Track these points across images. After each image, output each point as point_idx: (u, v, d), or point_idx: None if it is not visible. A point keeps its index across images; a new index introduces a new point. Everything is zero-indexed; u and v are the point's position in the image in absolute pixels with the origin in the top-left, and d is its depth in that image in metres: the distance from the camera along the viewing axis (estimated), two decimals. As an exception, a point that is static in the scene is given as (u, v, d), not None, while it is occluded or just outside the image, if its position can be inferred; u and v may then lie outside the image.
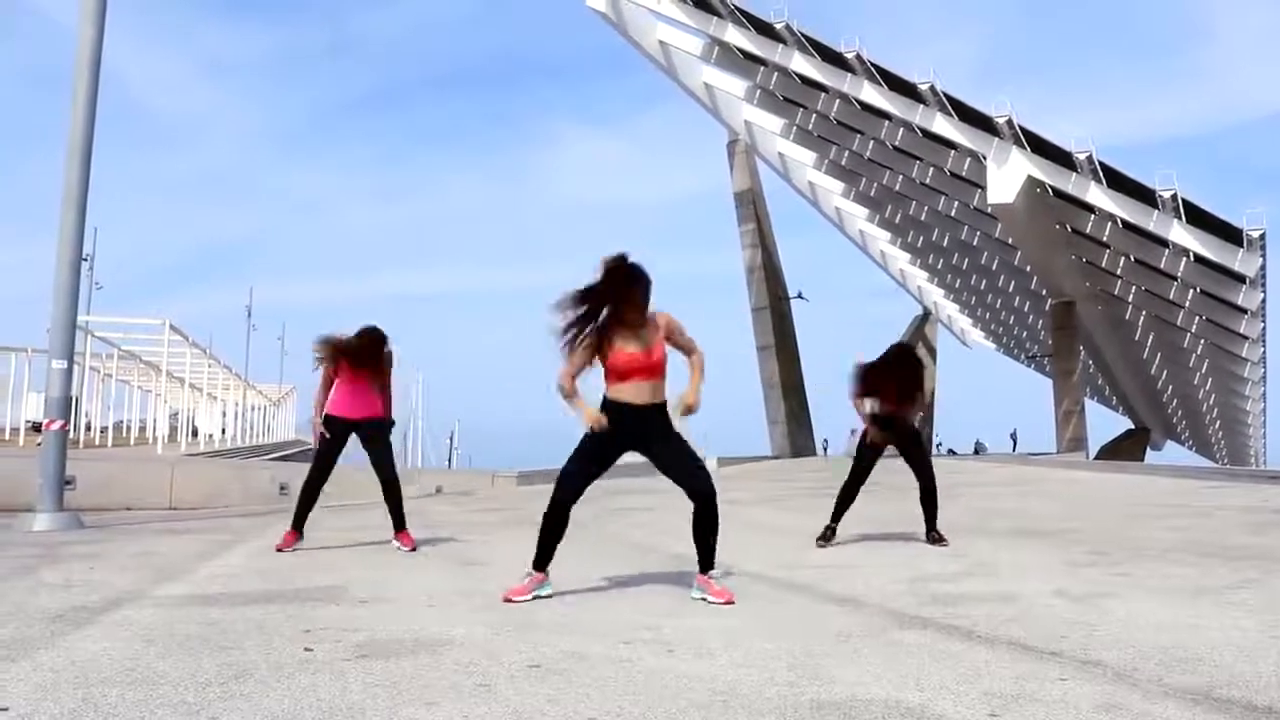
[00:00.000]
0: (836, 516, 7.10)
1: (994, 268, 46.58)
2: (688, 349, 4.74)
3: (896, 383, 7.01)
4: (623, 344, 4.55)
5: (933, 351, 58.68)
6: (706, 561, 4.67)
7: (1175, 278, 32.94)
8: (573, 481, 4.69)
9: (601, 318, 4.53)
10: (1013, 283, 47.66)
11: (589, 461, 4.67)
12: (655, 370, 4.60)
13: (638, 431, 4.62)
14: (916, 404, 7.16)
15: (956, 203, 39.32)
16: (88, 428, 31.61)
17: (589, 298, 4.52)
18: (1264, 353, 36.96)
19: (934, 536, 6.90)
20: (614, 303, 4.50)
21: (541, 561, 4.71)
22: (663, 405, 4.65)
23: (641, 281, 4.52)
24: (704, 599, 4.54)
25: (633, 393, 4.57)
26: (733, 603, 4.46)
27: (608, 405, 4.61)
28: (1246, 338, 34.31)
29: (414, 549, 6.90)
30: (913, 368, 7.19)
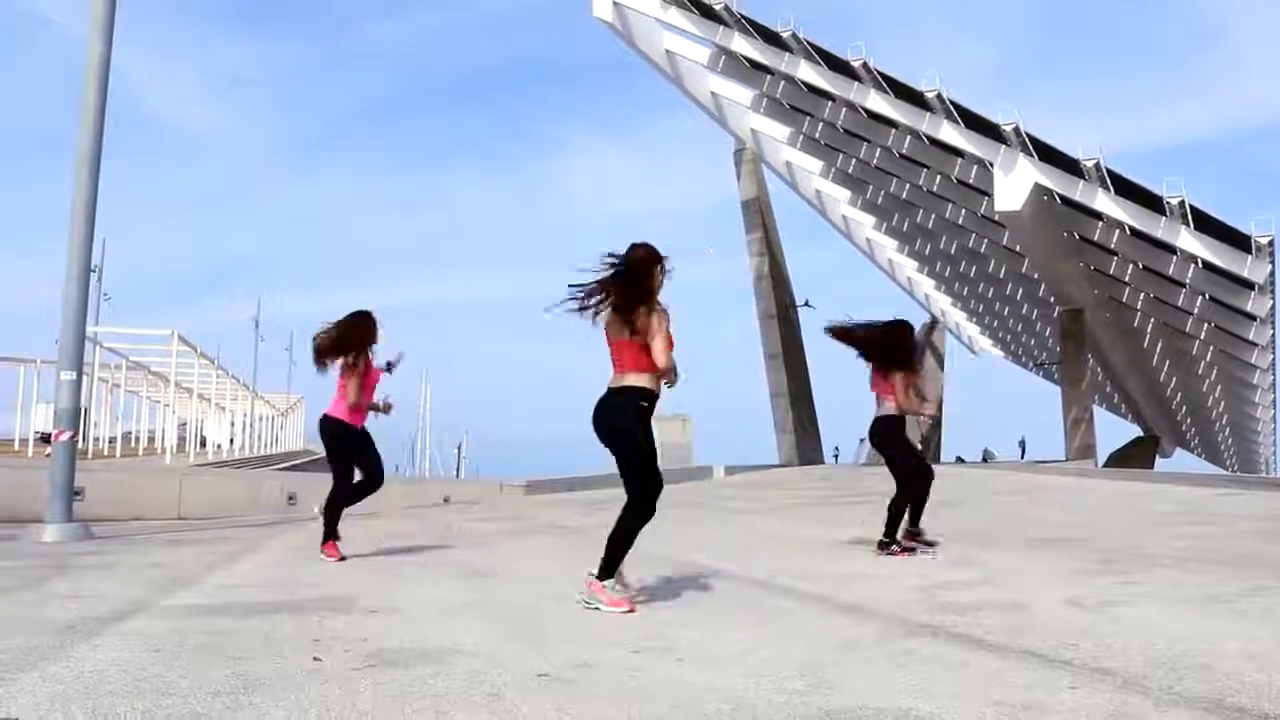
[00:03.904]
0: (914, 521, 6.88)
1: (1001, 275, 46.49)
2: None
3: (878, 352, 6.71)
4: (610, 327, 4.61)
5: (940, 359, 58.56)
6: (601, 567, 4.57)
7: (1184, 284, 32.83)
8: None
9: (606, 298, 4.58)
10: (1020, 290, 47.56)
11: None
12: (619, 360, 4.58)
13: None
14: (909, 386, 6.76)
15: (964, 210, 39.25)
16: (96, 439, 31.72)
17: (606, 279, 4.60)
18: (1274, 359, 36.78)
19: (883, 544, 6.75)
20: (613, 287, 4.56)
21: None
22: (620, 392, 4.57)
23: (619, 273, 4.57)
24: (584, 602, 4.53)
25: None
26: (633, 610, 4.47)
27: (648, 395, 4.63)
28: (1256, 344, 34.17)
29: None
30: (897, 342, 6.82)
